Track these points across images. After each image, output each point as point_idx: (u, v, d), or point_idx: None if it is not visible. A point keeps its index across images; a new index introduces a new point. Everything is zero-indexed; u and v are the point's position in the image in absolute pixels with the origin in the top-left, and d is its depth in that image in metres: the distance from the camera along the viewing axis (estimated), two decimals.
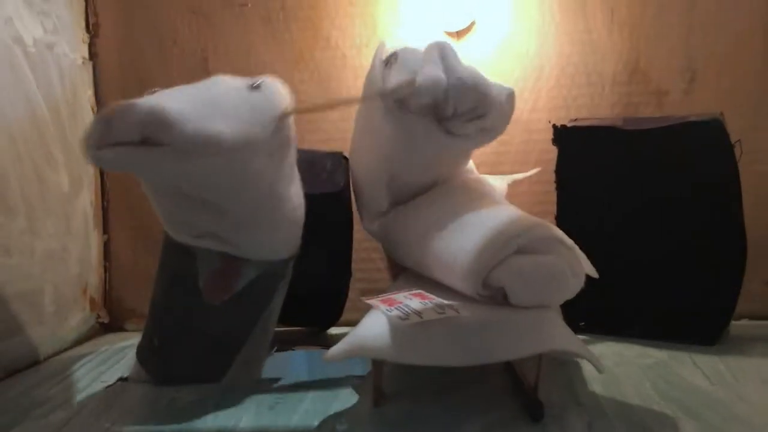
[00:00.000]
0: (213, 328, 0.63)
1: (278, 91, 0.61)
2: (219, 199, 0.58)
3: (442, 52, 0.63)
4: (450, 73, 0.61)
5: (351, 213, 0.75)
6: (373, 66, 0.69)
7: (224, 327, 0.63)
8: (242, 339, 0.64)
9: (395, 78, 0.64)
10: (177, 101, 0.54)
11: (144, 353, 0.67)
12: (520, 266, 0.53)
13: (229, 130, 0.54)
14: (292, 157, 0.63)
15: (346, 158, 0.75)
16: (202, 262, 0.61)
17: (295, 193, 0.64)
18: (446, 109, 0.62)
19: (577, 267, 0.55)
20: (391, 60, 0.66)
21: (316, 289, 0.74)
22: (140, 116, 0.52)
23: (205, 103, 0.55)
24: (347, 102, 0.64)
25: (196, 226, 0.60)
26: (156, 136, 0.53)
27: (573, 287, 0.55)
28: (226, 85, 0.59)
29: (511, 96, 0.65)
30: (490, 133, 0.66)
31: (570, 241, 0.56)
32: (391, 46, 0.68)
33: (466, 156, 0.71)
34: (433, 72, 0.61)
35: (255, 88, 0.59)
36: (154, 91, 0.57)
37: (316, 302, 0.78)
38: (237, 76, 0.62)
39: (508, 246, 0.53)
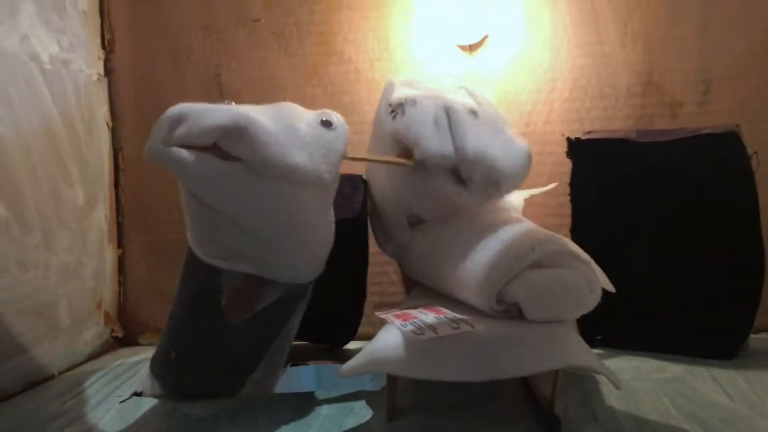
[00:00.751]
0: (231, 345, 0.63)
1: (346, 133, 0.60)
2: (257, 223, 0.57)
3: (450, 120, 0.63)
4: (457, 146, 0.62)
5: (366, 238, 0.74)
6: (380, 107, 0.70)
7: (242, 345, 0.63)
8: (258, 358, 0.64)
9: (402, 133, 0.64)
10: (262, 119, 0.53)
11: (159, 366, 0.67)
12: (534, 281, 0.52)
13: (309, 164, 0.54)
14: (334, 188, 0.63)
15: (365, 182, 0.74)
16: (225, 281, 0.61)
17: (329, 220, 0.63)
18: (460, 175, 0.63)
19: (593, 281, 0.55)
20: (397, 111, 0.66)
21: (330, 311, 0.74)
22: (223, 122, 0.51)
23: (287, 129, 0.55)
24: (403, 164, 0.64)
25: (226, 246, 0.59)
26: (233, 147, 0.52)
27: (589, 302, 0.55)
28: (300, 116, 0.58)
29: (526, 154, 0.64)
30: (504, 192, 0.66)
31: (585, 255, 0.56)
32: (399, 89, 0.68)
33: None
34: (441, 148, 0.61)
35: (327, 124, 0.58)
36: (228, 102, 0.56)
37: (330, 323, 0.77)
38: (303, 107, 0.60)
39: (521, 260, 0.53)
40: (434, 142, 0.62)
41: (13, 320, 0.70)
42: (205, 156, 0.53)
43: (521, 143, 0.65)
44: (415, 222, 0.70)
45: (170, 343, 0.66)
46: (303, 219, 0.59)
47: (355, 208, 0.72)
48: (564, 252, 0.54)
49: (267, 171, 0.53)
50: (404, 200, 0.69)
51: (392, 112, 0.66)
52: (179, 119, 0.53)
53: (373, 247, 0.76)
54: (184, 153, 0.52)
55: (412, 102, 0.65)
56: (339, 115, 0.61)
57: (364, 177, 0.75)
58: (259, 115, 0.54)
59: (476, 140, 0.62)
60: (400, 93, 0.68)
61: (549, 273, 0.53)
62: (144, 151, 0.53)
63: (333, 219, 0.64)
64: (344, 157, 0.59)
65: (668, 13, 0.85)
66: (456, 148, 0.62)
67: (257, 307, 0.61)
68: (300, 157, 0.54)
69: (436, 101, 0.65)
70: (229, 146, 0.53)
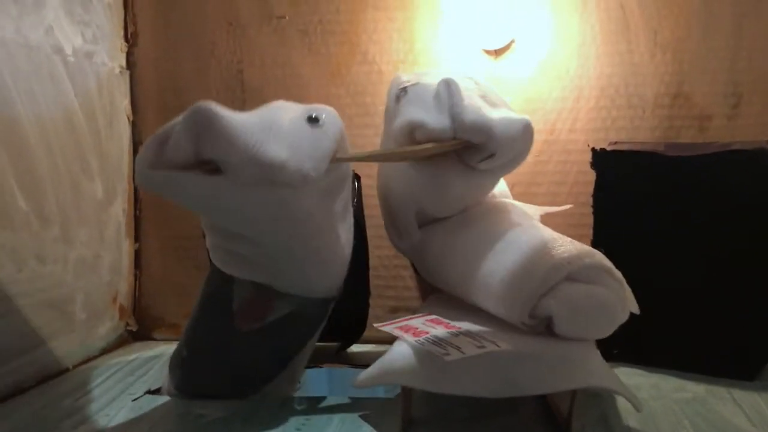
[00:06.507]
0: (243, 355, 0.63)
1: (337, 129, 0.57)
2: (259, 235, 0.57)
3: (449, 92, 0.61)
4: (455, 115, 0.60)
5: (364, 233, 0.73)
6: (388, 97, 0.69)
7: (255, 357, 0.63)
8: (274, 372, 0.64)
9: (403, 113, 0.63)
10: (236, 116, 0.51)
11: (173, 363, 0.67)
12: (571, 296, 0.51)
13: (289, 161, 0.51)
14: (345, 193, 0.62)
15: (357, 177, 0.72)
16: (237, 289, 0.60)
17: (343, 230, 0.62)
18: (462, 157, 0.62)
19: (625, 301, 0.54)
20: (400, 95, 0.65)
21: (335, 309, 0.73)
22: (189, 125, 0.50)
23: (264, 125, 0.52)
24: (398, 158, 0.62)
25: (237, 254, 0.59)
26: (210, 151, 0.50)
27: (619, 321, 0.54)
28: (285, 113, 0.56)
29: (527, 126, 0.62)
30: (510, 166, 0.64)
31: (619, 274, 0.55)
32: (406, 79, 0.67)
33: (492, 187, 0.70)
34: (438, 121, 0.60)
35: (314, 121, 0.56)
36: None
37: (336, 322, 0.77)
38: (295, 103, 0.59)
39: (558, 271, 0.52)
40: (432, 116, 0.61)
41: (30, 314, 0.70)
42: (189, 175, 0.51)
43: (521, 116, 0.63)
44: (427, 222, 0.69)
45: (184, 341, 0.66)
46: (306, 227, 0.57)
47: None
48: (600, 267, 0.53)
49: (243, 172, 0.51)
50: (413, 198, 0.68)
51: (398, 99, 0.65)
52: (163, 140, 0.52)
53: (389, 250, 0.76)
54: (172, 175, 0.51)
55: (415, 83, 0.65)
56: (332, 111, 0.58)
57: (356, 172, 0.73)
58: (235, 114, 0.52)
59: (474, 109, 0.60)
60: (404, 79, 0.67)
61: (587, 289, 0.52)
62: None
63: (351, 229, 0.63)
64: (336, 158, 0.56)
65: (700, 24, 0.83)
66: (453, 117, 0.60)
67: (268, 317, 0.61)
68: (277, 152, 0.51)
69: (438, 80, 0.64)
70: (206, 152, 0.51)
